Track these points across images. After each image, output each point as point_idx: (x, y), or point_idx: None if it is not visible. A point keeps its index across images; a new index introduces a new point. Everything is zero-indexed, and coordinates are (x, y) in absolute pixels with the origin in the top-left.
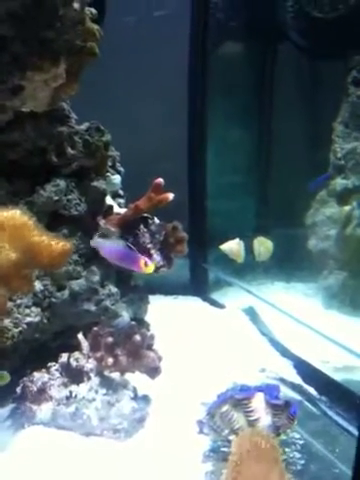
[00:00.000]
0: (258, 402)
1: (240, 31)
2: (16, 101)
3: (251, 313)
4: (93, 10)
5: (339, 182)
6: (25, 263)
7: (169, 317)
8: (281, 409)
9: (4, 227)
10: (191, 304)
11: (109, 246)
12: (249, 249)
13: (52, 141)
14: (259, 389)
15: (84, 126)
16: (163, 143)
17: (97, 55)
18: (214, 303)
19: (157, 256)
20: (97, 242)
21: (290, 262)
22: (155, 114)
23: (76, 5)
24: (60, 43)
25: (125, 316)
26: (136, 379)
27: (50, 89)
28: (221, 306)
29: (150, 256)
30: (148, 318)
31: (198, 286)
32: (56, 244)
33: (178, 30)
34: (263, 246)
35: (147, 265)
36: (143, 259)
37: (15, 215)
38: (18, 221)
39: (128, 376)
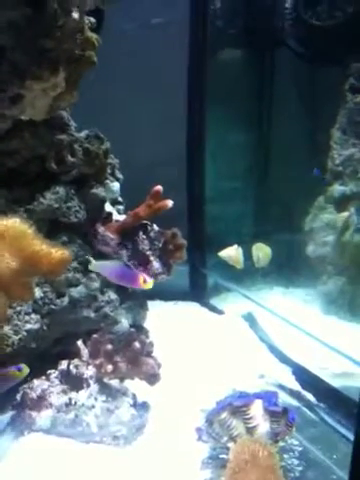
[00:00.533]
0: (256, 409)
1: (239, 38)
2: (15, 110)
3: (250, 319)
4: (92, 19)
5: (337, 188)
6: (25, 271)
7: (168, 323)
8: (279, 416)
9: (4, 236)
10: (190, 310)
11: (108, 268)
12: (248, 255)
13: (51, 149)
14: (257, 396)
15: (83, 134)
16: (162, 150)
17: (95, 64)
18: (213, 309)
19: (156, 263)
20: (96, 266)
21: (288, 268)
22: (154, 121)
23: (75, 15)
24: (59, 52)
25: (124, 323)
26: (135, 386)
27: (49, 98)
28: (220, 312)
29: (149, 263)
30: (147, 324)
31: (197, 292)
32: (55, 252)
33: (177, 37)
34: (262, 252)
35: (146, 282)
36: (142, 276)
37: (15, 224)
38: (18, 230)
39: (127, 383)
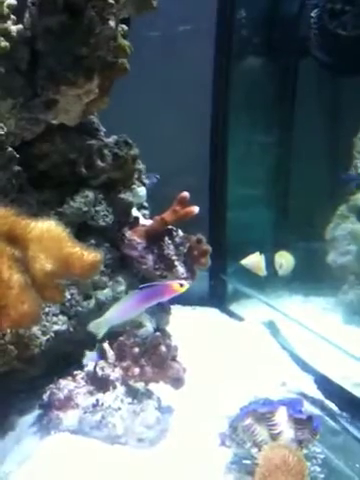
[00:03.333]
0: (281, 416)
1: (263, 47)
2: (49, 114)
3: (271, 326)
4: (124, 26)
5: None
6: (58, 273)
7: (188, 328)
8: (304, 423)
9: (41, 238)
10: (209, 316)
11: (126, 304)
12: (269, 262)
13: (82, 153)
14: (282, 403)
15: (112, 139)
16: (184, 156)
17: (128, 71)
18: (232, 315)
19: (181, 268)
20: (111, 319)
21: (309, 276)
22: (177, 127)
23: (112, 23)
24: (94, 59)
25: (149, 326)
26: (159, 389)
27: (82, 103)
28: (240, 318)
29: (174, 268)
30: (167, 329)
31: (216, 297)
32: (88, 255)
33: (202, 45)
34: (285, 260)
35: (182, 285)
36: (173, 283)
37: (51, 226)
38: (54, 232)
39: (151, 386)
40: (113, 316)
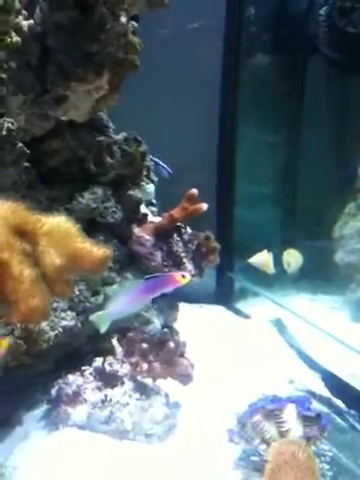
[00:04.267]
0: (290, 413)
1: (272, 44)
2: (59, 110)
3: (278, 324)
4: (134, 23)
5: None
6: (68, 268)
7: (195, 326)
8: (312, 421)
9: (52, 233)
10: (216, 313)
11: (129, 294)
12: (276, 260)
13: (91, 150)
14: (291, 400)
15: (121, 136)
16: (192, 153)
17: (138, 67)
18: (239, 313)
19: (189, 265)
20: (114, 313)
21: (316, 274)
22: (186, 125)
23: (123, 19)
24: (104, 55)
25: (156, 323)
26: (167, 385)
27: (92, 100)
28: (246, 316)
29: (183, 264)
30: (175, 326)
31: (223, 295)
32: (97, 250)
33: (211, 43)
34: (293, 258)
35: (184, 277)
36: (177, 274)
37: (61, 221)
38: (63, 227)
39: (159, 382)
40: (116, 309)
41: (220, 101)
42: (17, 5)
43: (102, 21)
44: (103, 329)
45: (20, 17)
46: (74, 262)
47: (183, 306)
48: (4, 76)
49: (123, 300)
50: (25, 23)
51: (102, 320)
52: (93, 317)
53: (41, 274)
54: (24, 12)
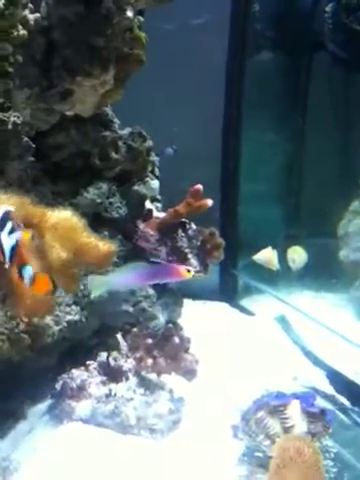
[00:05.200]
0: (294, 409)
1: (277, 41)
2: (64, 105)
3: (282, 321)
4: (141, 18)
5: None
6: (73, 263)
7: (198, 322)
8: (317, 417)
9: (57, 227)
10: (220, 310)
11: (129, 274)
12: (280, 257)
13: (96, 145)
14: (295, 396)
15: (126, 131)
16: (196, 150)
17: (144, 62)
18: (243, 310)
19: (194, 261)
20: (112, 283)
21: (320, 272)
22: (190, 122)
23: (129, 13)
24: (110, 50)
25: (161, 319)
26: (172, 381)
27: (97, 95)
28: (250, 313)
29: (187, 260)
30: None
31: (227, 292)
32: (103, 245)
33: (216, 39)
34: (297, 255)
35: (189, 271)
36: (182, 267)
37: (67, 216)
38: (69, 222)
39: (164, 377)
40: (115, 281)
41: (225, 98)
42: None
43: (108, 15)
44: (95, 293)
45: (26, 11)
46: (79, 256)
47: (186, 302)
48: (10, 70)
49: (124, 276)
50: (31, 17)
51: (97, 285)
52: (90, 279)
53: (47, 268)
54: (30, 6)
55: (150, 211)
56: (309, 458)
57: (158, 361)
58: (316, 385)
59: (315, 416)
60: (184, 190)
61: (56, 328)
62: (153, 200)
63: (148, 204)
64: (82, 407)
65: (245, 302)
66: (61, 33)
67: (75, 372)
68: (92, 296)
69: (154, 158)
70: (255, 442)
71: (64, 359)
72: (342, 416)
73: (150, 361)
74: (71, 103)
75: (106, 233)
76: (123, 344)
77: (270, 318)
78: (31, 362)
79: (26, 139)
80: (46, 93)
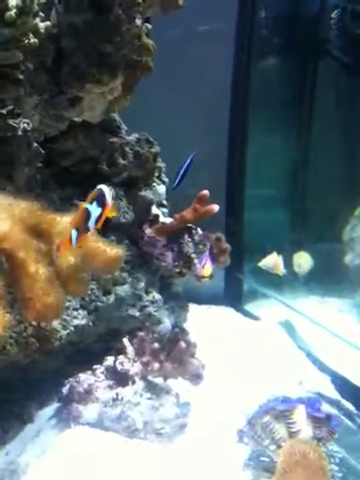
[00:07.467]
0: (300, 414)
1: (283, 47)
2: (73, 111)
3: (288, 326)
4: (149, 25)
5: None
6: (82, 267)
7: (204, 327)
8: (322, 422)
9: (66, 232)
10: (225, 315)
11: None
12: (286, 262)
13: (104, 151)
14: (301, 401)
15: (134, 137)
16: (204, 155)
17: (152, 70)
18: (248, 314)
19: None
20: None
21: (326, 277)
22: (196, 127)
23: (138, 21)
24: (118, 57)
25: (167, 323)
26: (178, 385)
27: (106, 101)
28: (255, 318)
29: (194, 266)
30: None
31: (232, 297)
32: (111, 250)
33: (222, 45)
34: (303, 260)
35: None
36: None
37: None
38: None
39: (170, 382)
40: None
41: (231, 103)
42: (35, 7)
43: (117, 23)
44: None
45: (37, 19)
46: (88, 261)
47: (192, 307)
48: (21, 77)
49: None
50: (42, 25)
51: None
52: None
53: (55, 273)
54: (41, 14)
55: (157, 216)
56: (315, 463)
57: (164, 365)
58: (321, 390)
59: (321, 421)
60: (190, 195)
61: (63, 332)
62: (160, 205)
63: (155, 209)
64: (89, 411)
65: (250, 307)
66: (70, 40)
67: (82, 376)
68: None
69: (161, 164)
70: (261, 447)
71: (71, 363)
72: (347, 421)
73: (156, 365)
74: (80, 109)
75: (113, 238)
76: (130, 348)
77: (275, 323)
78: (39, 366)
79: (36, 145)
80: (55, 99)
